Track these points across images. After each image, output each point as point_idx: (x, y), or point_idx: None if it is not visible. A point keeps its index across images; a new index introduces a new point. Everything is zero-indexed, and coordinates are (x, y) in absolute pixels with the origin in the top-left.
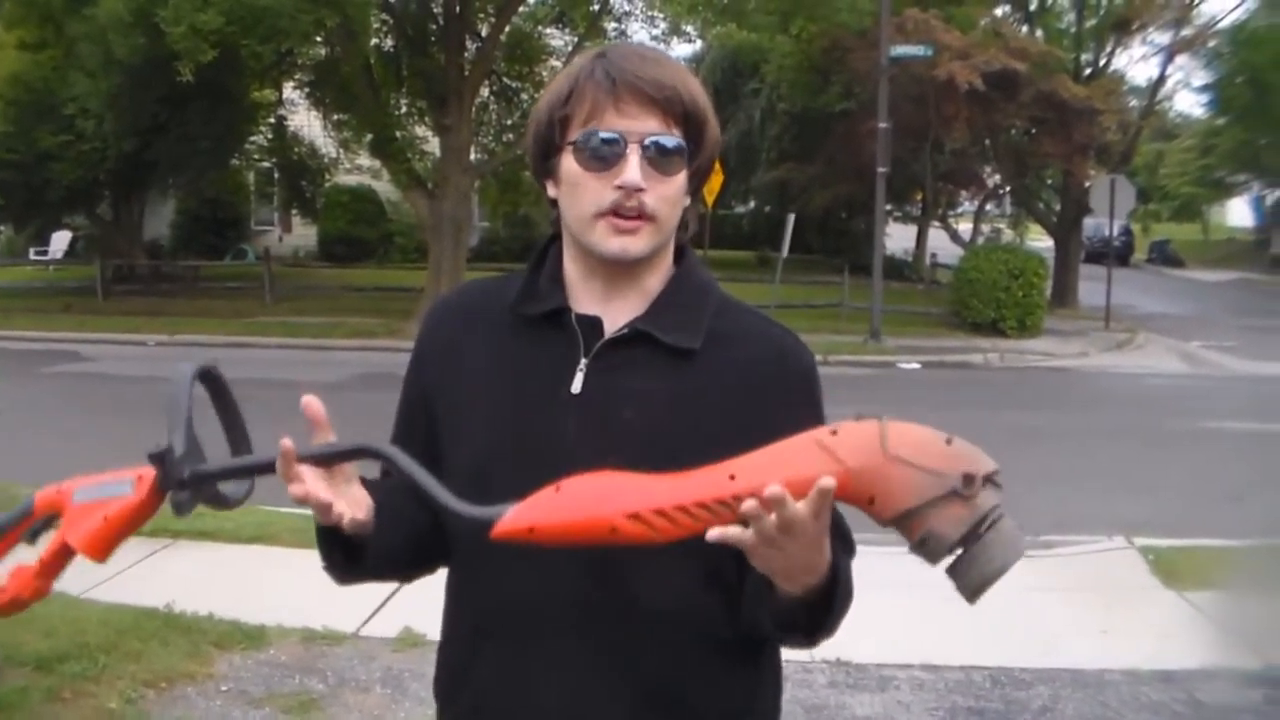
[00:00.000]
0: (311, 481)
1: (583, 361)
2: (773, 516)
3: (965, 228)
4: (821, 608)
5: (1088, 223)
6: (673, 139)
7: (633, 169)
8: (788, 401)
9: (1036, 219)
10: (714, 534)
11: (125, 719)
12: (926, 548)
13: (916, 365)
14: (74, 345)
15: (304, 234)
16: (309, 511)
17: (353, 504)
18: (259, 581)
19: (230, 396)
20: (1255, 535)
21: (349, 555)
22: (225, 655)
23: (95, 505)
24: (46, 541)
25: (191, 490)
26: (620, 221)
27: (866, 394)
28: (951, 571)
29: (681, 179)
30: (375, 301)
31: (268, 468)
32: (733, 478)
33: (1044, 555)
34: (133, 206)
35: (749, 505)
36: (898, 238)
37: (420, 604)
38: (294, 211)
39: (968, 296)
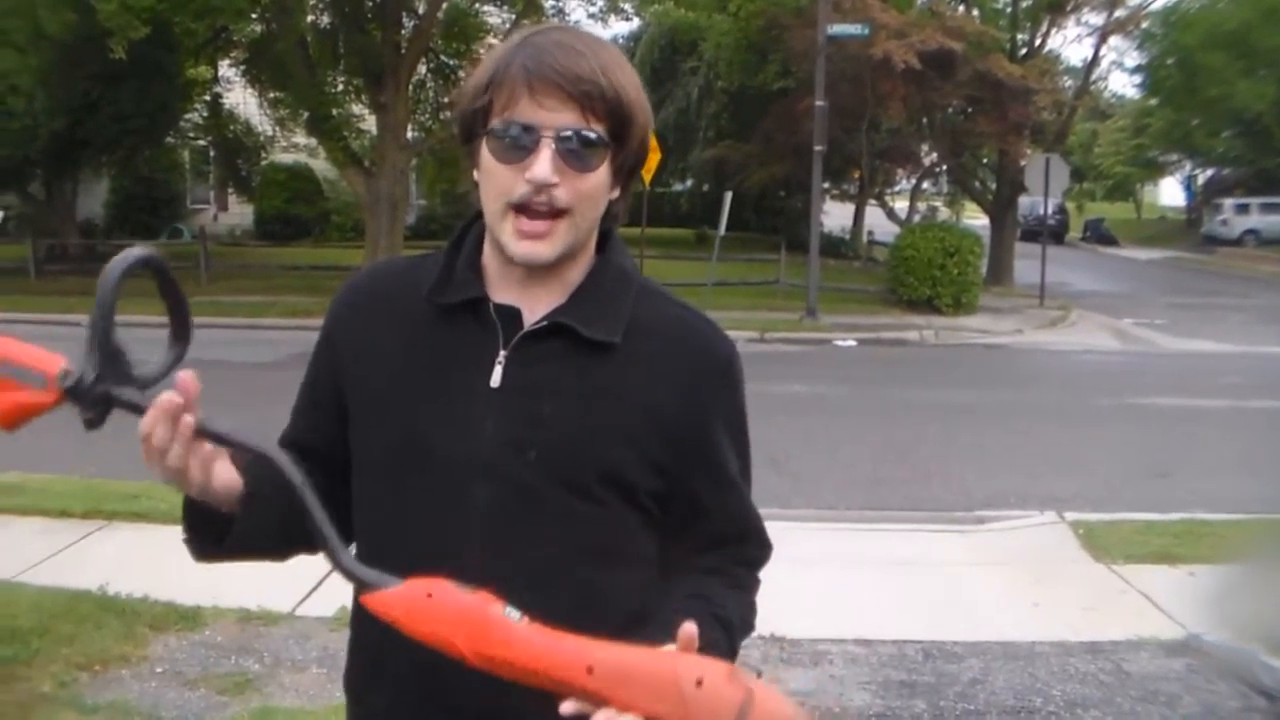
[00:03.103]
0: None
1: (501, 354)
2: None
3: (902, 206)
4: None
5: (1023, 201)
6: (591, 132)
7: (543, 163)
8: (706, 394)
9: (972, 197)
10: (566, 708)
11: (58, 702)
12: None
13: (852, 342)
14: (5, 325)
15: (240, 212)
16: None
17: (222, 479)
18: (194, 563)
19: (175, 284)
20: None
21: (210, 529)
22: (160, 637)
23: (10, 384)
24: None
25: (99, 408)
26: (527, 223)
27: (803, 370)
28: None
29: (602, 173)
30: (311, 280)
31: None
32: (590, 670)
33: (976, 530)
34: (65, 185)
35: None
36: (835, 216)
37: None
38: (230, 190)
39: (904, 274)
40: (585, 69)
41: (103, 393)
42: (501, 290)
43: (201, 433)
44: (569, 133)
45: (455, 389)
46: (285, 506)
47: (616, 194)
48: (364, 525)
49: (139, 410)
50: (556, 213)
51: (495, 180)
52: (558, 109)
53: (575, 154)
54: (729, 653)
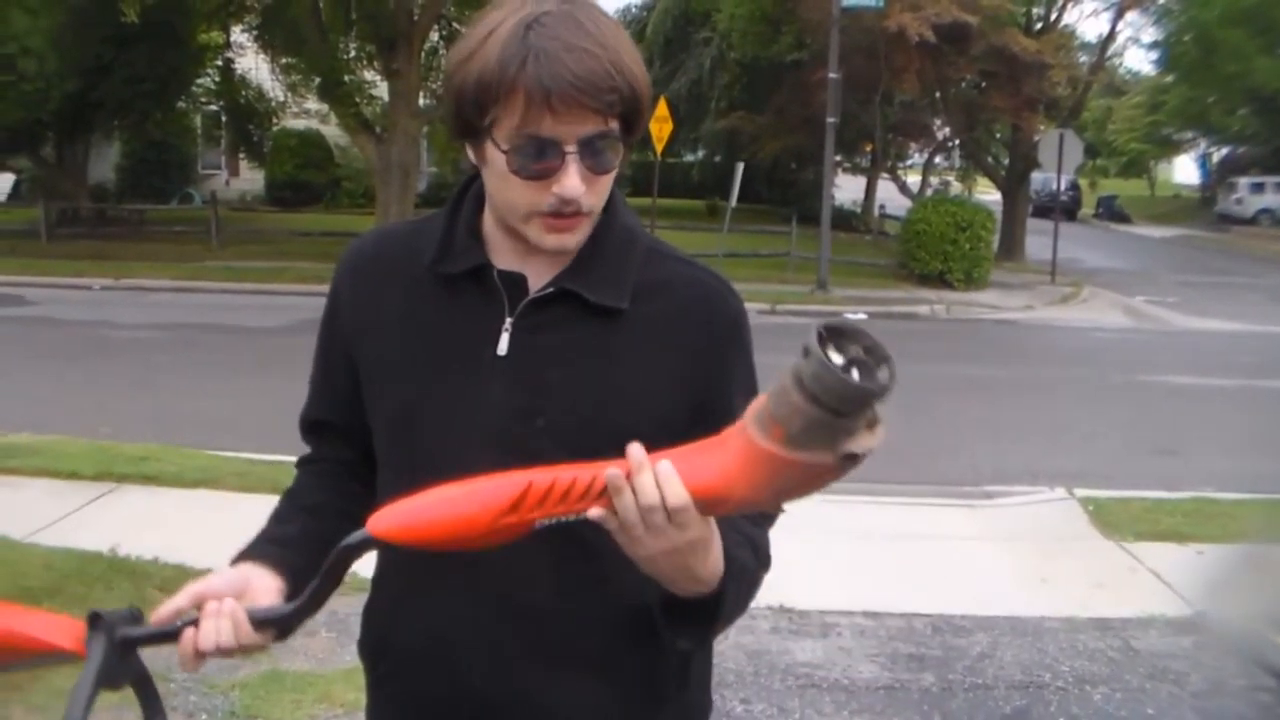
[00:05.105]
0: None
1: (507, 321)
2: (631, 500)
3: (914, 180)
4: (707, 612)
5: (1036, 177)
6: (610, 133)
7: (572, 179)
8: (720, 355)
9: (985, 172)
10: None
11: (68, 664)
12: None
13: (863, 316)
14: (17, 289)
15: (251, 178)
16: (254, 455)
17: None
18: (204, 525)
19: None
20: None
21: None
22: (170, 598)
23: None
24: None
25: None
26: (558, 221)
27: None
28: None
29: (616, 170)
30: (322, 246)
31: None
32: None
33: (986, 505)
34: (77, 148)
35: (610, 474)
36: (846, 189)
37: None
38: (241, 155)
39: (915, 248)
40: (602, 73)
41: (123, 638)
42: (504, 256)
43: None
44: (590, 140)
45: (462, 357)
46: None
47: None
48: (383, 494)
49: (162, 638)
50: (582, 214)
51: (516, 192)
52: (579, 120)
53: (597, 159)
54: (753, 579)
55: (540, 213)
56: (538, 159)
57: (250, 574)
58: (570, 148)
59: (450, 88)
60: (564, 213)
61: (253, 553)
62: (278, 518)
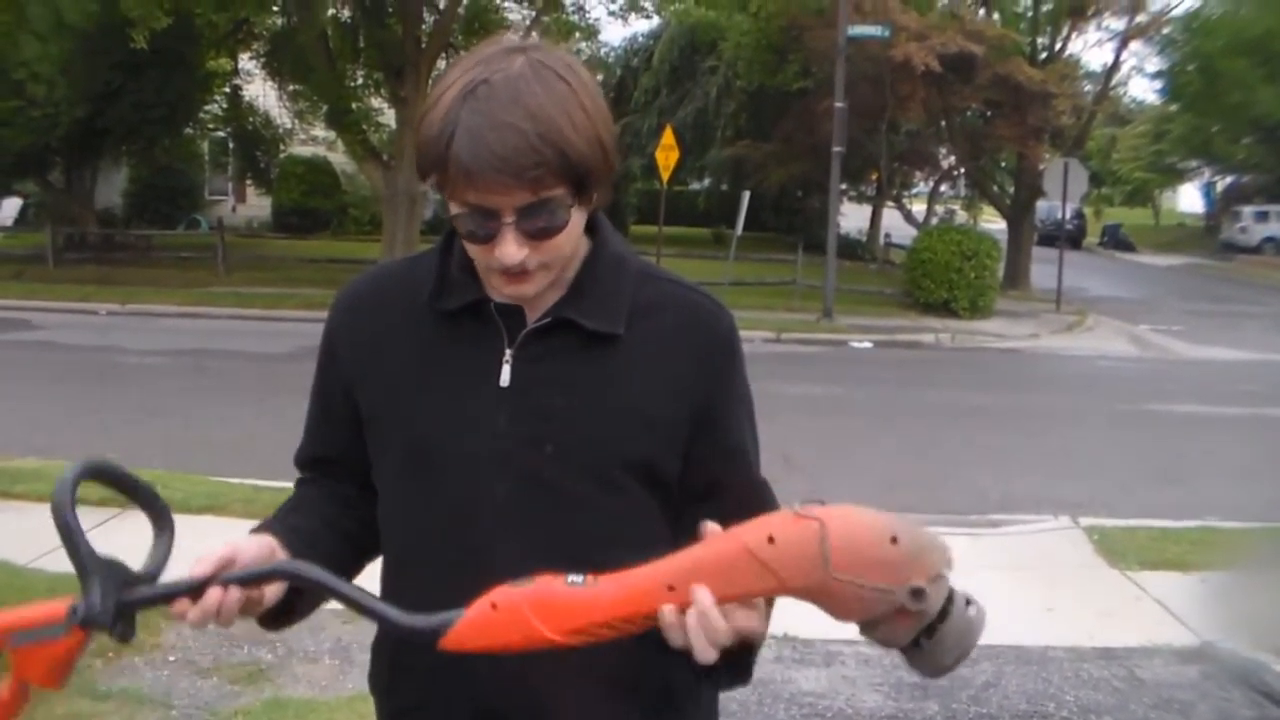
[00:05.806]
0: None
1: (508, 353)
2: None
3: (919, 208)
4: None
5: (1040, 206)
6: (550, 200)
7: (507, 247)
8: (716, 368)
9: (990, 201)
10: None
11: (71, 689)
12: (877, 639)
13: (868, 344)
14: (24, 313)
15: (258, 204)
16: (260, 481)
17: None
18: (209, 552)
19: (130, 478)
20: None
21: (277, 610)
22: (174, 625)
23: (37, 648)
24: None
25: (122, 622)
26: (510, 277)
27: (818, 371)
28: (907, 658)
29: (572, 224)
30: (328, 273)
31: (197, 588)
32: (671, 589)
33: (990, 534)
34: (85, 174)
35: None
36: (852, 217)
37: (368, 576)
38: (248, 181)
39: (920, 277)
40: (525, 149)
41: (117, 606)
42: None
43: (240, 583)
44: (528, 209)
45: (466, 391)
46: (334, 564)
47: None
48: (390, 529)
49: (164, 600)
50: (531, 272)
51: (469, 249)
52: (508, 192)
53: (539, 226)
54: None
55: (493, 268)
56: (478, 226)
57: (276, 553)
58: (508, 217)
59: (417, 136)
60: (511, 272)
61: (278, 533)
62: (296, 510)
